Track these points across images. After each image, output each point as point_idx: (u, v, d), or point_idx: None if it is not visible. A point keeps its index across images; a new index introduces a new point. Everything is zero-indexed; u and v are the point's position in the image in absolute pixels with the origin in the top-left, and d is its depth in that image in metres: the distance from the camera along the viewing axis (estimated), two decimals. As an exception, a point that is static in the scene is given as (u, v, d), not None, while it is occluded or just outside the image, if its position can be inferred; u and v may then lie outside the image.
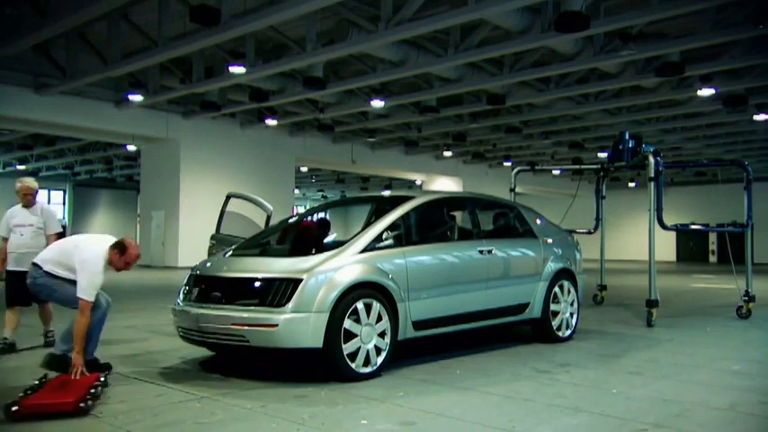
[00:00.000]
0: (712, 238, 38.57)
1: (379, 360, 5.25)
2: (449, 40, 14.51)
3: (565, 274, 7.20)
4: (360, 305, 5.16)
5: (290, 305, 4.92)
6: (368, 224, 5.94)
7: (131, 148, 25.45)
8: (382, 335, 5.32)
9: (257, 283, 5.17)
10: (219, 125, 23.73)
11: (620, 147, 8.84)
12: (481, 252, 6.44)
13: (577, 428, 3.98)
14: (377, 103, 19.16)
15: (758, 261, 38.41)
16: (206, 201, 22.95)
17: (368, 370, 5.16)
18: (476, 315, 6.30)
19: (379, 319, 5.31)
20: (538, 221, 7.51)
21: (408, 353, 5.92)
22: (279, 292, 4.99)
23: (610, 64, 15.52)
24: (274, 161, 25.52)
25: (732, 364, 5.98)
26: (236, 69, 15.56)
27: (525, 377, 5.33)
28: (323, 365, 5.15)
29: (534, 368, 5.67)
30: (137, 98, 18.98)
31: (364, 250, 5.48)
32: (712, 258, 38.28)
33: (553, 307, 6.98)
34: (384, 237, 5.70)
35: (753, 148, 27.89)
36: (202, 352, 6.13)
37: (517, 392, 4.78)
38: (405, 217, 6.00)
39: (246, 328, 4.95)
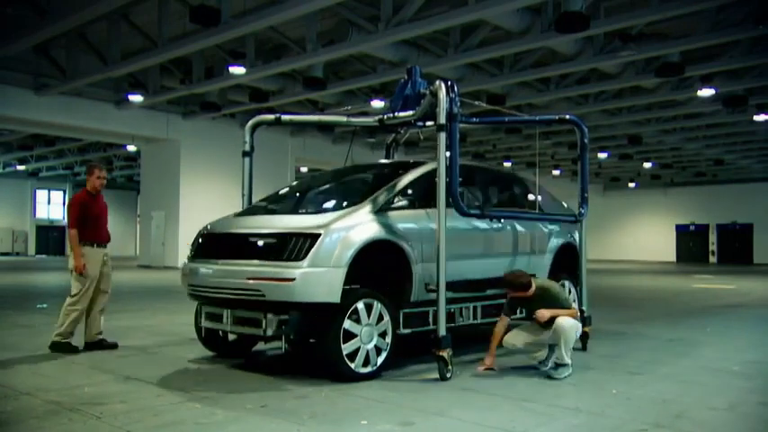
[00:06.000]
0: (712, 238, 38.60)
1: (380, 360, 5.24)
2: (449, 40, 14.52)
3: (567, 252, 7.21)
4: (360, 305, 5.14)
5: (306, 260, 4.91)
6: (382, 185, 5.84)
7: (131, 148, 25.45)
8: (383, 335, 5.31)
9: (273, 239, 5.16)
10: (219, 125, 23.73)
11: (407, 91, 6.18)
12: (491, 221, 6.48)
13: (577, 428, 3.98)
14: (377, 104, 19.16)
15: (758, 261, 38.14)
16: (206, 201, 22.97)
17: (368, 370, 5.15)
18: (485, 283, 6.32)
19: (380, 319, 5.30)
20: (545, 197, 7.61)
21: (408, 353, 5.92)
22: (296, 246, 4.97)
23: (610, 64, 15.52)
24: (274, 161, 25.50)
25: (732, 364, 5.97)
26: (236, 70, 15.57)
27: (525, 377, 5.33)
28: (323, 365, 5.17)
29: (534, 368, 5.67)
30: (137, 98, 18.98)
31: (380, 210, 5.47)
32: (712, 259, 38.28)
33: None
34: (399, 198, 5.69)
35: (753, 148, 27.91)
36: (203, 352, 6.14)
37: (517, 392, 4.78)
38: (419, 181, 5.97)
39: (263, 282, 4.96)
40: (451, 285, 5.54)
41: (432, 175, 5.89)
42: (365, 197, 5.58)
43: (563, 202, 8.06)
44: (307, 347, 5.36)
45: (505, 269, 6.29)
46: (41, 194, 42.04)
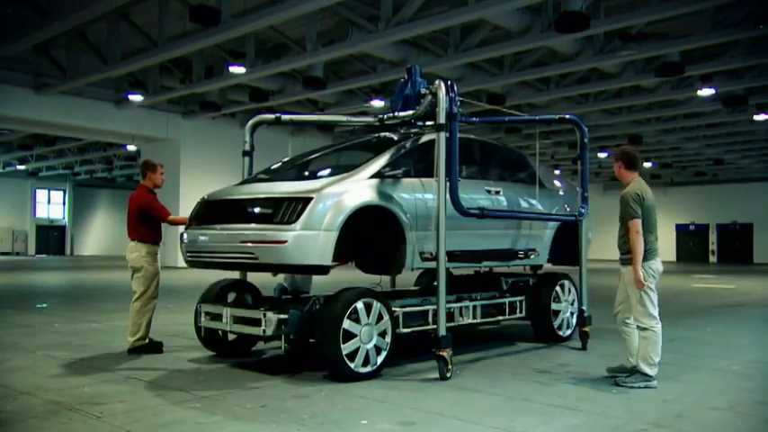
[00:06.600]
0: (712, 238, 38.58)
1: (380, 359, 5.23)
2: (449, 39, 14.53)
3: (568, 229, 7.07)
4: (360, 305, 5.13)
5: (299, 223, 4.94)
6: (378, 154, 5.81)
7: (131, 148, 25.45)
8: (383, 334, 5.30)
9: (267, 203, 5.21)
10: (219, 125, 23.73)
11: (407, 91, 6.15)
12: (488, 192, 6.47)
13: (577, 428, 3.98)
14: (377, 103, 19.16)
15: (758, 261, 38.04)
16: (206, 201, 22.94)
17: (367, 369, 5.14)
18: (482, 254, 6.30)
19: (380, 318, 5.28)
20: (546, 174, 7.67)
21: (408, 353, 5.92)
22: (288, 210, 5.01)
23: (610, 64, 15.52)
24: (274, 161, 25.53)
25: (732, 364, 5.98)
26: (236, 69, 15.58)
27: (525, 377, 5.32)
28: (322, 365, 5.16)
29: (534, 368, 5.67)
30: (137, 98, 18.99)
31: (374, 176, 5.48)
32: (712, 258, 38.26)
33: (554, 306, 6.97)
34: (395, 166, 5.67)
35: (753, 148, 27.91)
36: (203, 352, 6.13)
37: (517, 392, 4.78)
38: (415, 151, 5.96)
39: (256, 244, 5.00)
40: (450, 255, 5.54)
41: (427, 145, 5.90)
42: (359, 165, 5.61)
43: (558, 181, 7.96)
44: (307, 347, 5.36)
45: (504, 243, 6.35)
46: (41, 194, 42.04)
